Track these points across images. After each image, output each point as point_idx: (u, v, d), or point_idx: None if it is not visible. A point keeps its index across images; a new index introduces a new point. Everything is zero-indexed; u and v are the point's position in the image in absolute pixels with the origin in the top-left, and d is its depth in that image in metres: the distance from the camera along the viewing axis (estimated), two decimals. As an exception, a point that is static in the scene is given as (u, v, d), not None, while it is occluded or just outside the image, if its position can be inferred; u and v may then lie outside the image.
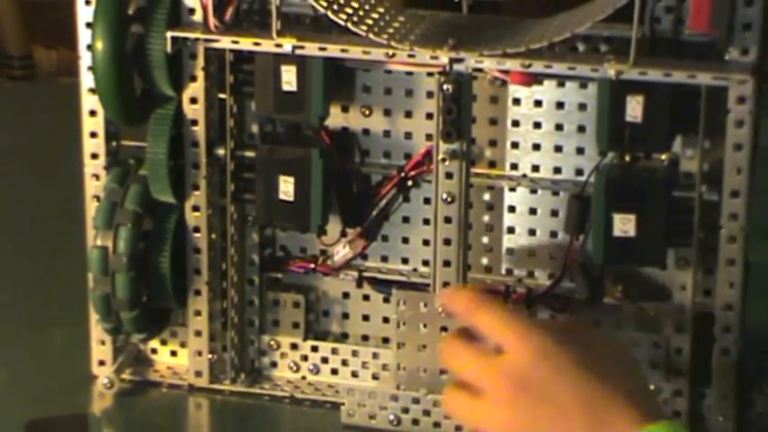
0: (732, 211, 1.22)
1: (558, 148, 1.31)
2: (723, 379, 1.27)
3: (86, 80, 1.31)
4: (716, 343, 1.27)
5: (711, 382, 1.28)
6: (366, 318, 1.38)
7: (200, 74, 1.29)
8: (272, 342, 1.38)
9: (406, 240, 1.35)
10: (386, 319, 1.36)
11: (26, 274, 1.55)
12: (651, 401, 1.14)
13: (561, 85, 1.29)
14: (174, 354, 1.39)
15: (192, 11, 1.27)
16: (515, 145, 1.31)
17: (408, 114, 1.32)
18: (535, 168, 1.31)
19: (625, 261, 1.29)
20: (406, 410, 1.31)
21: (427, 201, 1.32)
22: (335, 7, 1.25)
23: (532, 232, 1.33)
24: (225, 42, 1.27)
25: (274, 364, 1.38)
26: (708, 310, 1.27)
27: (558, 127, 1.30)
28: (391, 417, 1.31)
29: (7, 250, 1.59)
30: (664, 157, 1.27)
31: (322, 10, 1.24)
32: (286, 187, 1.30)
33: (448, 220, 1.28)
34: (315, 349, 1.38)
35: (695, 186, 1.24)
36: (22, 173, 1.74)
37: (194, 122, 1.29)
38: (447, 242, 1.29)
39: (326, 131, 1.32)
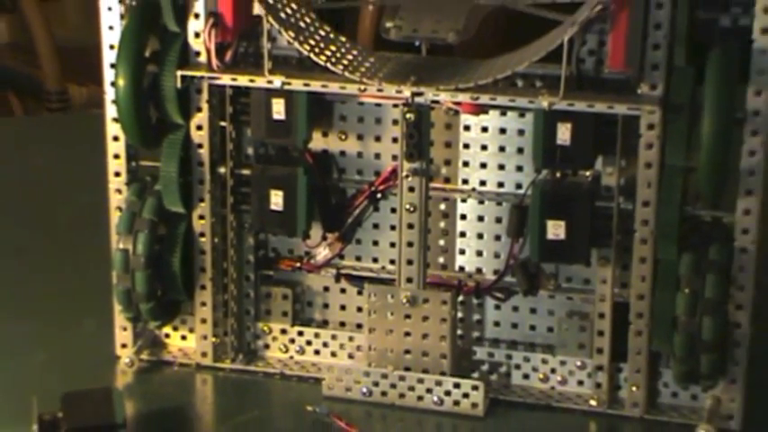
0: (644, 217, 1.23)
1: (501, 167, 1.31)
2: (636, 356, 1.28)
3: (110, 111, 1.31)
4: (630, 326, 1.27)
5: (627, 359, 1.29)
6: (343, 307, 1.38)
7: (205, 105, 1.29)
8: (265, 328, 1.38)
9: (376, 243, 1.35)
10: (359, 309, 1.36)
11: (61, 272, 1.54)
12: None
13: (503, 114, 1.29)
14: (183, 338, 1.39)
15: (198, 53, 1.28)
16: (466, 164, 1.32)
17: (377, 139, 1.33)
18: (482, 183, 1.31)
19: (557, 259, 1.29)
20: (376, 384, 1.31)
21: (393, 210, 1.32)
22: (317, 50, 1.25)
23: (480, 236, 1.33)
24: (225, 79, 1.28)
25: (267, 346, 1.39)
26: (624, 299, 1.28)
27: (501, 149, 1.30)
28: (364, 390, 1.31)
29: (46, 252, 1.59)
30: (588, 173, 1.27)
31: (306, 53, 1.25)
32: (276, 199, 1.30)
33: (410, 226, 1.29)
34: (300, 334, 1.38)
35: (614, 197, 1.25)
36: (58, 187, 1.74)
37: (200, 146, 1.30)
38: (410, 244, 1.29)
39: (310, 153, 1.32)
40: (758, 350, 1.27)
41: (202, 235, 1.33)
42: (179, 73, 1.27)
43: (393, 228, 1.33)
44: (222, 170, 1.32)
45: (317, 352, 1.38)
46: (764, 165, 1.21)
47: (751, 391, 1.26)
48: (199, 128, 1.30)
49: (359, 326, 1.36)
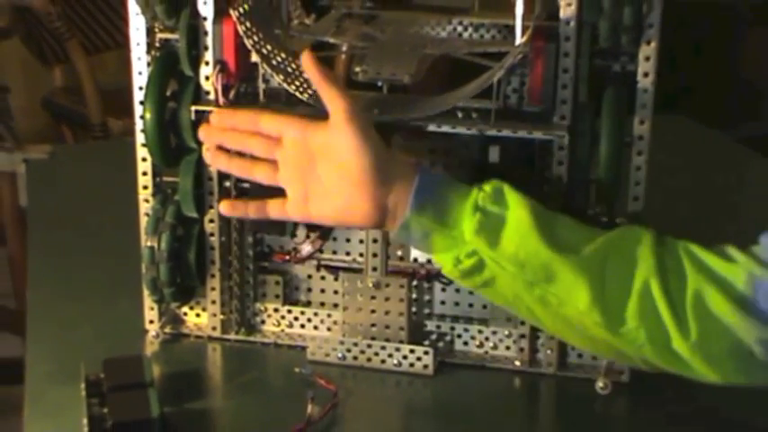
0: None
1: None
2: None
3: (140, 138, 1.31)
4: None
5: None
6: (323, 290, 1.37)
7: None
8: (262, 307, 1.38)
9: (348, 240, 1.34)
10: (335, 291, 1.36)
11: (103, 264, 1.53)
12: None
13: (448, 138, 1.26)
14: (198, 315, 1.39)
15: (207, 92, 1.28)
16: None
17: None
18: None
19: None
20: (349, 350, 1.31)
21: None
22: (301, 90, 1.26)
23: None
24: None
25: (263, 322, 1.38)
26: None
27: (447, 166, 1.27)
28: (339, 355, 1.31)
29: (90, 249, 1.59)
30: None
31: (292, 91, 1.26)
32: None
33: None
34: (290, 311, 1.37)
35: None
36: (100, 198, 1.73)
37: (209, 164, 1.29)
38: (375, 241, 1.30)
39: None
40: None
41: (212, 235, 1.33)
42: (193, 108, 1.28)
43: (361, 228, 1.32)
44: (227, 183, 1.32)
45: (302, 326, 1.37)
46: (646, 177, 1.23)
47: None
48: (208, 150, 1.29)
49: (335, 305, 1.36)
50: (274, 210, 1.19)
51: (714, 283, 1.03)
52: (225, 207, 1.24)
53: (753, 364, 1.03)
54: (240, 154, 1.22)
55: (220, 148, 1.23)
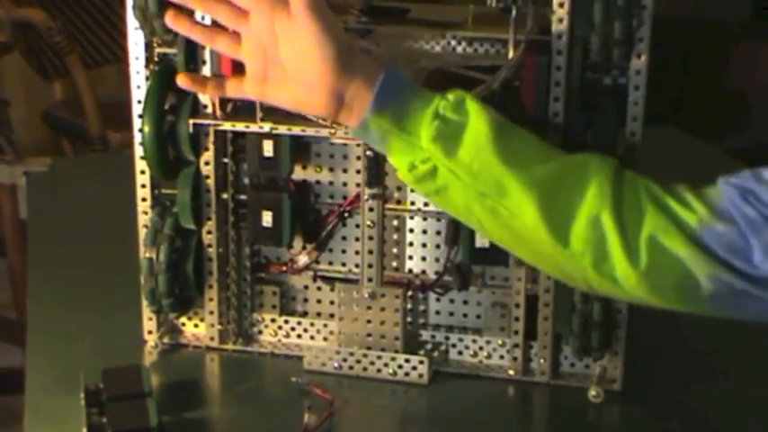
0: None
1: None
2: (544, 336, 1.29)
3: (138, 151, 1.31)
4: (539, 313, 1.28)
5: (537, 338, 1.30)
6: (319, 301, 1.37)
7: (211, 146, 1.29)
8: (259, 318, 1.37)
9: (344, 251, 1.34)
10: (332, 302, 1.35)
11: (102, 275, 1.53)
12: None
13: None
14: (196, 326, 1.38)
15: (205, 106, 1.29)
16: (413, 189, 1.28)
17: (345, 171, 1.32)
18: (426, 204, 1.30)
19: (483, 263, 1.30)
20: (345, 360, 1.31)
21: (357, 226, 1.32)
22: None
23: (424, 245, 1.32)
24: (226, 126, 1.28)
25: (260, 332, 1.38)
26: (534, 292, 1.28)
27: None
28: (335, 364, 1.31)
29: (90, 260, 1.58)
30: None
31: None
32: (266, 218, 1.30)
33: (371, 238, 1.30)
34: (286, 321, 1.37)
35: None
36: (99, 210, 1.73)
37: (207, 177, 1.30)
38: (370, 252, 1.30)
39: (292, 182, 1.32)
40: (633, 329, 1.28)
41: (210, 246, 1.33)
42: (191, 121, 1.28)
43: (357, 239, 1.33)
44: (225, 196, 1.32)
45: (299, 336, 1.37)
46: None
47: (629, 361, 1.28)
48: (206, 163, 1.30)
49: (331, 315, 1.35)
50: (232, 88, 1.15)
51: (671, 220, 1.03)
52: (182, 79, 1.18)
53: (697, 295, 1.03)
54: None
55: (181, 9, 1.16)
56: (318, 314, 1.37)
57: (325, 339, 1.36)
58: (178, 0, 1.15)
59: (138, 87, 1.30)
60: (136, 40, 1.29)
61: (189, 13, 1.19)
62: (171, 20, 1.15)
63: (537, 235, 1.06)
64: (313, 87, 1.09)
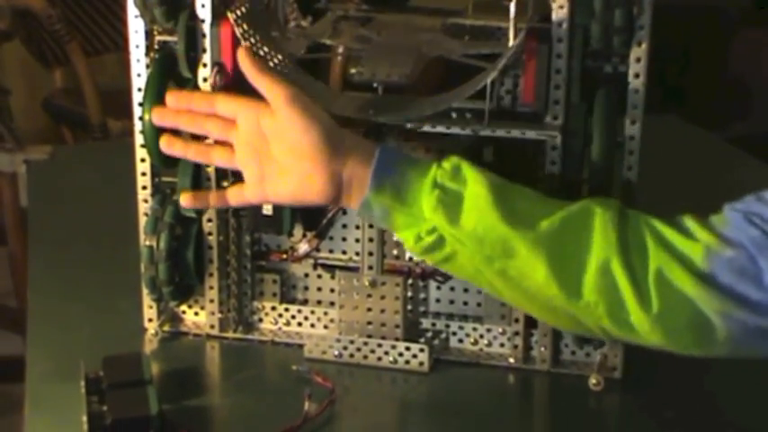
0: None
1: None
2: (544, 324, 1.28)
3: (139, 139, 1.31)
4: None
5: (537, 326, 1.30)
6: (319, 289, 1.36)
7: None
8: (260, 306, 1.37)
9: (344, 239, 1.34)
10: (332, 290, 1.35)
11: (102, 263, 1.53)
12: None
13: (443, 139, 1.25)
14: (196, 314, 1.38)
15: None
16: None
17: None
18: None
19: None
20: (345, 348, 1.31)
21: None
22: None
23: None
24: None
25: (261, 320, 1.38)
26: None
27: None
28: (336, 352, 1.31)
29: (90, 248, 1.58)
30: None
31: None
32: (267, 206, 1.29)
33: (371, 225, 1.30)
34: (287, 310, 1.37)
35: None
36: (99, 198, 1.73)
37: (207, 165, 1.29)
38: (371, 240, 1.30)
39: None
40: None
41: (210, 234, 1.33)
42: (191, 109, 1.27)
43: (357, 227, 1.33)
44: (225, 184, 1.31)
45: (299, 324, 1.37)
46: (637, 176, 1.23)
47: (629, 349, 1.26)
48: (207, 151, 1.30)
49: (332, 303, 1.35)
50: (233, 196, 1.19)
51: (675, 257, 1.04)
52: (185, 199, 1.24)
53: (711, 336, 1.03)
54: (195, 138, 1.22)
55: (173, 132, 1.22)
56: (319, 302, 1.37)
57: (325, 327, 1.36)
58: (170, 124, 1.20)
59: (139, 75, 1.30)
60: (136, 27, 1.29)
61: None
62: (165, 146, 1.21)
63: (549, 292, 1.07)
64: (309, 176, 1.11)
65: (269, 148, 1.13)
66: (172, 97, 1.21)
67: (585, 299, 1.06)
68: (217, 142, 1.20)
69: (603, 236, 1.06)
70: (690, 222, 1.06)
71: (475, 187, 1.10)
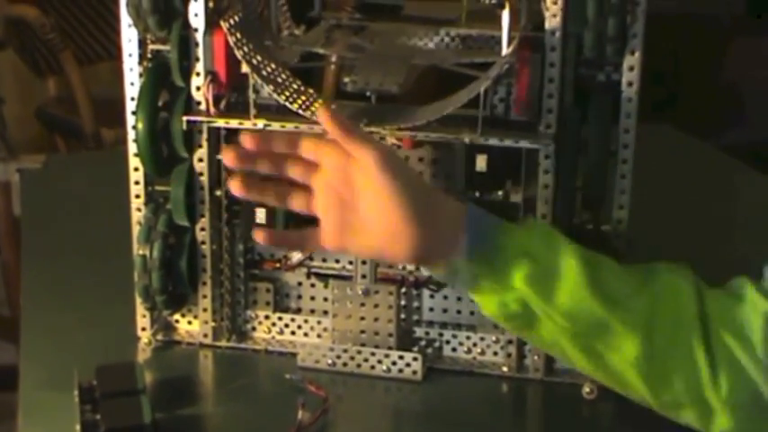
0: (542, 226, 1.24)
1: (434, 188, 1.31)
2: None
3: (132, 148, 1.31)
4: None
5: None
6: (313, 298, 1.37)
7: (205, 143, 1.29)
8: (253, 314, 1.37)
9: None
10: (325, 299, 1.35)
11: (95, 272, 1.53)
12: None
13: (436, 148, 1.28)
14: (189, 323, 1.38)
15: (198, 103, 1.28)
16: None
17: None
18: None
19: None
20: (339, 357, 1.31)
21: None
22: (291, 100, 1.26)
23: None
24: (220, 123, 1.28)
25: (254, 329, 1.37)
26: None
27: (434, 176, 1.29)
28: (329, 361, 1.31)
29: (84, 257, 1.58)
30: (500, 192, 1.27)
31: (282, 102, 1.25)
32: (260, 215, 1.29)
33: None
34: (280, 318, 1.37)
35: (519, 212, 1.26)
36: (93, 207, 1.73)
37: (201, 174, 1.30)
38: None
39: None
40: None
41: (203, 243, 1.33)
42: (184, 118, 1.28)
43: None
44: (218, 193, 1.32)
45: (293, 332, 1.37)
46: (631, 185, 1.23)
47: None
48: (200, 160, 1.30)
49: (325, 312, 1.35)
50: (311, 243, 1.13)
51: (737, 333, 1.04)
52: (260, 236, 1.16)
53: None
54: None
55: (245, 174, 1.14)
56: (312, 311, 1.37)
57: (318, 336, 1.36)
58: (248, 167, 1.12)
59: (132, 84, 1.30)
60: (129, 36, 1.29)
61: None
62: (239, 189, 1.13)
63: (632, 373, 1.07)
64: (396, 239, 1.07)
65: (355, 201, 1.08)
66: (248, 138, 1.13)
67: (675, 389, 1.06)
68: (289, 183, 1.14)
69: (689, 320, 1.05)
70: (748, 288, 1.05)
71: (569, 261, 1.06)
